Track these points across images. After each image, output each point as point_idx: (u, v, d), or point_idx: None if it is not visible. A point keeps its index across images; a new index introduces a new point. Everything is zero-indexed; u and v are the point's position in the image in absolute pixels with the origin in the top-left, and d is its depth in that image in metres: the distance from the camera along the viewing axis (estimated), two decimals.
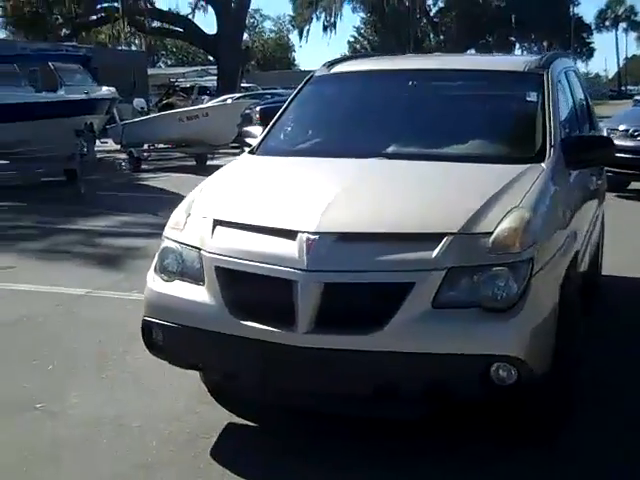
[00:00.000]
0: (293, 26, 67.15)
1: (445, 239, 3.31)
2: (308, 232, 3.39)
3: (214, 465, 3.55)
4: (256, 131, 4.99)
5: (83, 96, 13.11)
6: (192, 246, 3.67)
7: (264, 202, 3.83)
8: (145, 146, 17.98)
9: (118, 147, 18.02)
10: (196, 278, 3.61)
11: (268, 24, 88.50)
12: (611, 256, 6.50)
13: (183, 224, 3.79)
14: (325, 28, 50.61)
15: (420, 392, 3.35)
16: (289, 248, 3.40)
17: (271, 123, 4.85)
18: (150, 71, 47.24)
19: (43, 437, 3.86)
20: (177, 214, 3.89)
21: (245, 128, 5.13)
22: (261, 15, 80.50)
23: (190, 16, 40.00)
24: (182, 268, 3.69)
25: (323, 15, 48.83)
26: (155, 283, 3.77)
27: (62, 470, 3.55)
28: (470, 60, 5.86)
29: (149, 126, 17.40)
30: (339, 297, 3.32)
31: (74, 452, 3.71)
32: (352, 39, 77.42)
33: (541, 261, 3.41)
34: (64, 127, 12.76)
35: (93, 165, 12.03)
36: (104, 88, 14.97)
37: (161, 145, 18.80)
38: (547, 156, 4.07)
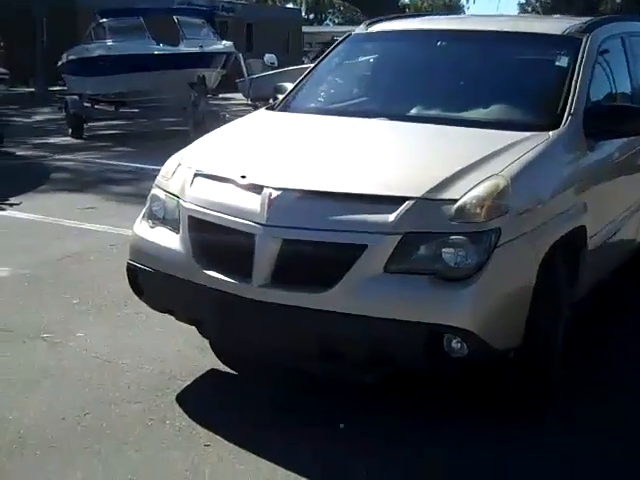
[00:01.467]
0: None
1: (406, 203, 3.21)
2: (272, 187, 3.38)
3: (174, 407, 3.64)
4: (290, 86, 4.97)
5: (196, 49, 13.45)
6: (174, 195, 3.74)
7: (247, 156, 3.84)
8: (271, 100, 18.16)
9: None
10: (174, 226, 3.69)
11: None
12: None
13: (172, 173, 3.85)
14: None
15: (365, 356, 3.29)
16: (254, 202, 3.40)
17: (299, 79, 4.84)
18: (313, 29, 47.90)
19: (34, 364, 4.07)
20: (169, 163, 3.96)
21: (279, 83, 5.07)
22: None
23: None
24: (164, 215, 3.77)
25: None
26: (140, 228, 3.87)
27: (32, 396, 3.73)
28: (515, 21, 5.53)
29: (276, 80, 17.59)
30: (295, 254, 3.30)
31: (53, 381, 3.90)
32: (523, 0, 74.29)
33: (514, 231, 3.24)
34: (178, 79, 13.16)
35: (202, 117, 12.31)
36: (223, 42, 15.28)
37: None
38: (562, 124, 3.85)
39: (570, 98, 3.98)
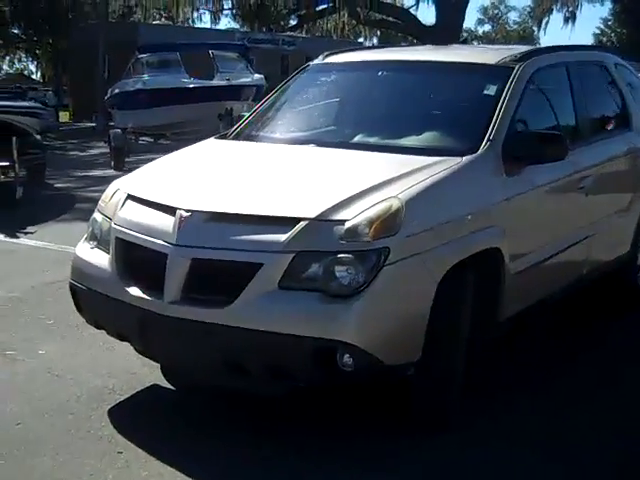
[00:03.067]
0: (531, 17, 65.04)
1: (300, 224, 3.40)
2: (183, 209, 3.62)
3: (103, 418, 3.85)
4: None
5: (224, 83, 13.91)
6: (108, 218, 4.01)
7: (175, 181, 4.09)
8: None
9: None
10: (106, 247, 3.94)
11: (513, 15, 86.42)
12: None
13: (110, 197, 4.12)
14: (566, 20, 48.24)
15: (264, 370, 3.47)
16: (167, 223, 3.63)
17: (256, 108, 5.09)
18: None
19: None
20: (109, 188, 4.23)
21: (242, 113, 5.34)
22: (506, 6, 78.45)
23: (413, 9, 40.13)
24: (100, 237, 4.04)
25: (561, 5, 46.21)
26: (80, 249, 4.14)
27: None
28: (458, 52, 5.68)
29: None
30: (202, 272, 3.51)
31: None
32: (598, 31, 73.37)
33: (405, 251, 3.39)
34: (209, 111, 13.61)
35: None
36: (255, 75, 15.74)
37: None
38: (480, 149, 4.00)
39: (492, 125, 4.12)
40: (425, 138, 4.26)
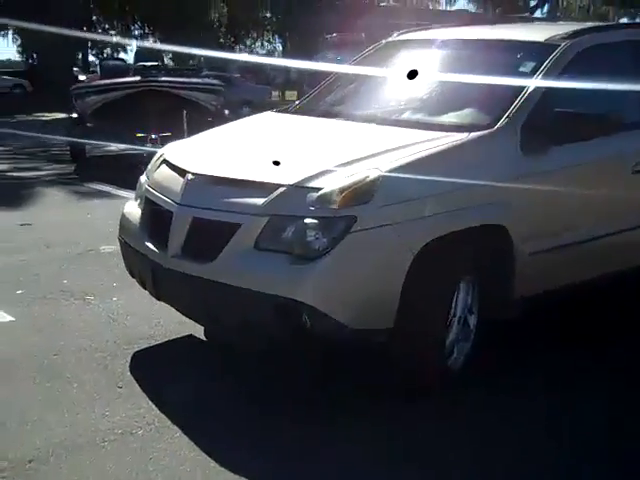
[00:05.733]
0: None
1: (279, 189, 3.62)
2: (190, 172, 3.96)
3: (125, 359, 4.28)
4: None
5: None
6: (147, 178, 4.44)
7: (204, 148, 4.44)
8: None
9: None
10: (140, 204, 4.39)
11: None
12: None
13: (155, 161, 4.56)
14: None
15: (236, 324, 3.73)
16: (178, 184, 3.99)
17: (323, 83, 5.31)
18: None
19: (56, 315, 4.99)
20: (157, 153, 4.66)
21: None
22: None
23: None
24: (139, 196, 4.48)
25: None
26: (126, 206, 4.60)
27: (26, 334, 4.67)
28: (524, 29, 5.44)
29: None
30: (198, 230, 3.82)
31: (56, 328, 4.77)
32: None
33: (376, 221, 3.50)
34: None
35: None
36: None
37: None
38: (496, 126, 3.98)
39: (516, 102, 4.06)
40: (450, 115, 4.29)
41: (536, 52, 4.42)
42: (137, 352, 4.41)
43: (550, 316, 4.65)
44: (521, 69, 4.34)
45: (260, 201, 3.62)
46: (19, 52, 46.18)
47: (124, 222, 4.49)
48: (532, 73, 4.23)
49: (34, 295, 5.40)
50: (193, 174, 3.94)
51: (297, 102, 5.24)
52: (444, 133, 3.95)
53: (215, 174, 3.90)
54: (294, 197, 3.59)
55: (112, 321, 4.91)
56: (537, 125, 4.02)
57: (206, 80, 15.32)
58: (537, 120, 4.03)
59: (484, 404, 3.81)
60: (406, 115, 4.46)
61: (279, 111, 5.06)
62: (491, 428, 3.60)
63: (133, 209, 4.48)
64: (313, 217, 3.49)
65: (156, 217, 4.12)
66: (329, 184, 3.55)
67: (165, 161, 4.37)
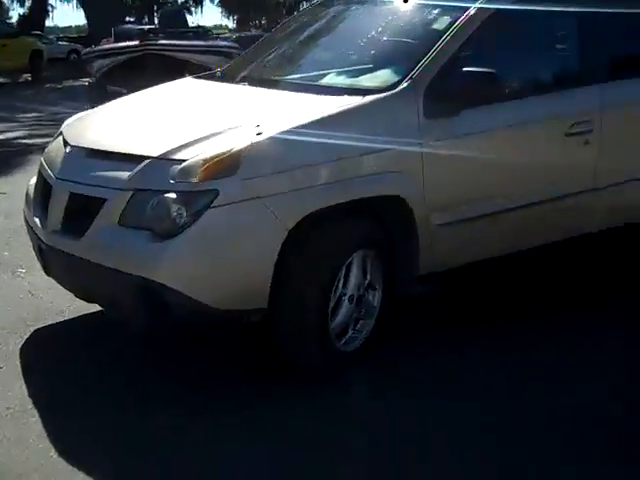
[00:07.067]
0: None
1: (144, 162, 3.40)
2: (70, 144, 3.78)
3: (23, 337, 4.13)
4: None
5: None
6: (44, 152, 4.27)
7: (98, 119, 4.23)
8: None
9: None
10: None
11: None
12: None
13: (57, 133, 4.37)
14: None
15: (108, 304, 3.55)
16: (61, 157, 3.81)
17: (251, 47, 5.05)
18: None
19: None
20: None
21: None
22: None
23: None
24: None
25: None
26: (32, 180, 4.40)
27: None
28: None
29: None
30: (74, 205, 3.64)
31: None
32: None
33: (241, 195, 3.26)
34: None
35: None
36: None
37: None
38: (395, 88, 3.69)
39: (421, 62, 3.75)
40: (346, 77, 4.00)
41: (451, 8, 4.07)
42: (38, 329, 4.26)
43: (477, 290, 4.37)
44: (434, 26, 4.01)
45: (125, 175, 3.41)
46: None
47: (27, 197, 4.33)
48: (444, 30, 3.89)
49: None
50: (72, 146, 3.76)
51: (224, 67, 4.98)
52: (334, 97, 3.66)
53: (90, 146, 3.71)
54: (158, 170, 3.37)
55: (30, 296, 4.76)
56: (442, 87, 3.71)
57: (216, 43, 15.08)
58: (442, 82, 3.71)
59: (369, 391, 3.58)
60: (299, 78, 4.20)
61: (199, 77, 4.81)
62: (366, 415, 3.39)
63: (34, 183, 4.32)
64: (173, 191, 3.27)
65: (42, 192, 3.96)
66: (191, 156, 3.32)
67: (61, 133, 4.19)
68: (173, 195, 3.25)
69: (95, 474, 2.94)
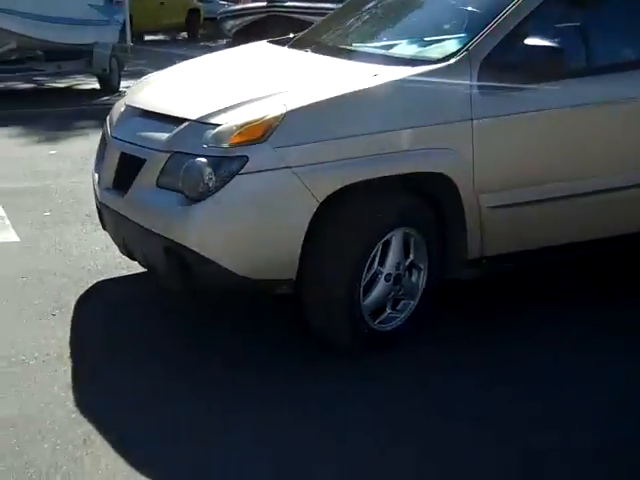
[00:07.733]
0: None
1: (182, 125, 3.41)
2: (126, 104, 3.85)
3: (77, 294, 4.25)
4: None
5: None
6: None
7: (163, 79, 4.27)
8: None
9: None
10: None
11: None
12: None
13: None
14: None
15: (143, 261, 3.60)
16: (117, 116, 3.90)
17: (326, 17, 4.96)
18: None
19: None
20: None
21: None
22: None
23: None
24: None
25: None
26: None
27: None
28: None
29: None
30: (122, 163, 3.72)
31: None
32: None
33: (272, 163, 3.22)
34: None
35: None
36: None
37: None
38: (449, 60, 3.52)
39: (480, 33, 3.55)
40: (400, 46, 3.87)
41: None
42: (100, 282, 4.42)
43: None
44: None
45: (165, 136, 3.43)
46: None
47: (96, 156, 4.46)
48: (508, 2, 3.65)
49: (58, 219, 5.56)
50: (127, 106, 3.83)
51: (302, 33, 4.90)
52: (383, 67, 3.53)
53: (141, 106, 3.77)
54: (195, 133, 3.37)
55: (105, 249, 4.92)
56: (501, 61, 3.50)
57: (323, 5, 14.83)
58: (502, 55, 3.50)
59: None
60: (353, 45, 4.08)
61: (272, 41, 4.76)
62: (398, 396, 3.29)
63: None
64: (204, 156, 3.26)
65: (101, 149, 4.07)
66: (226, 121, 3.29)
67: (129, 93, 4.28)
68: (204, 159, 3.24)
69: (101, 428, 3.01)
